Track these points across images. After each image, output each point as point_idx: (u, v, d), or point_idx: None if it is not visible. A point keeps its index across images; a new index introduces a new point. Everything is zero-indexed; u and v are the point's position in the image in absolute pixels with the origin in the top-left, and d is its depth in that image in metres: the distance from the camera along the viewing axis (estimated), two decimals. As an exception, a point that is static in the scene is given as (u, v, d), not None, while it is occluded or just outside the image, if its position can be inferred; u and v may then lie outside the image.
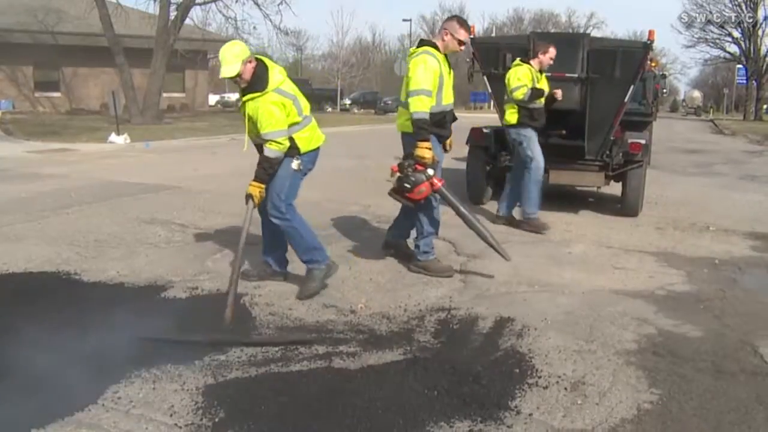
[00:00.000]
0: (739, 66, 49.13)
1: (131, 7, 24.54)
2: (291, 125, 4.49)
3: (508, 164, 8.59)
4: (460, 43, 5.23)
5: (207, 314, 4.25)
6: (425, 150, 5.02)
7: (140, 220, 7.12)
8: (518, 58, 7.20)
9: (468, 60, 9.20)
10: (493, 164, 8.57)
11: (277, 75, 4.42)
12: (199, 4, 24.50)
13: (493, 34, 49.67)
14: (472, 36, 8.51)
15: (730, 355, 3.86)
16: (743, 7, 43.45)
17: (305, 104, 4.62)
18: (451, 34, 5.17)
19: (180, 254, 5.74)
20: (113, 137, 16.28)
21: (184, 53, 25.12)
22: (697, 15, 44.28)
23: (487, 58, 8.24)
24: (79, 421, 2.92)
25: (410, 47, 5.76)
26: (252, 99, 4.40)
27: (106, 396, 3.14)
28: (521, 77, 6.93)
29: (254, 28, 61.00)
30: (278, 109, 4.38)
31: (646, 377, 3.53)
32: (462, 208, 5.25)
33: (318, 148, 4.76)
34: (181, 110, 30.69)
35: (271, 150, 4.42)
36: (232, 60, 4.30)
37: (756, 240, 6.92)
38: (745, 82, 48.62)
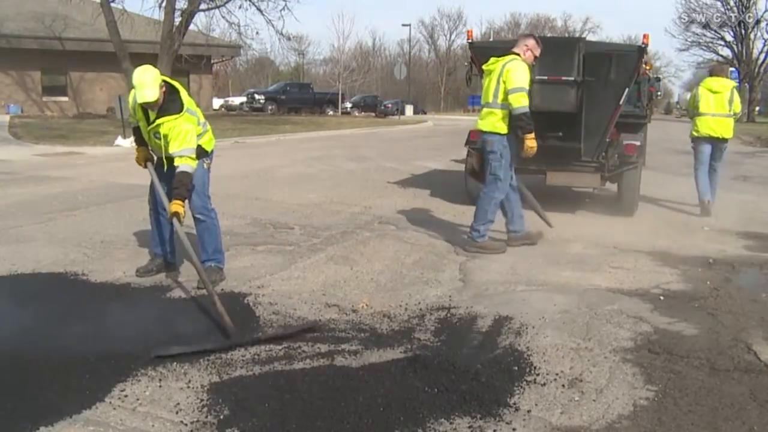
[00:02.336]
0: (732, 69, 49.13)
1: (137, 14, 24.56)
2: (198, 135, 4.76)
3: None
4: (535, 58, 5.99)
5: (210, 313, 4.25)
6: (532, 140, 5.76)
7: (146, 221, 7.07)
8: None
9: (466, 64, 9.20)
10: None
11: (185, 96, 4.67)
12: (203, 11, 24.57)
13: (491, 39, 49.61)
14: (470, 40, 8.54)
15: (724, 353, 3.85)
16: (737, 10, 43.43)
17: (200, 112, 4.89)
18: (531, 50, 5.94)
19: (185, 255, 5.73)
20: (120, 140, 16.28)
21: (188, 58, 25.14)
22: (697, 15, 44.34)
23: (485, 62, 8.22)
24: (86, 419, 2.92)
25: (494, 58, 6.03)
26: (168, 121, 4.56)
27: (113, 394, 3.14)
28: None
29: (257, 33, 61.16)
30: (190, 126, 4.62)
31: (642, 374, 3.53)
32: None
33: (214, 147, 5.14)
34: (185, 114, 30.67)
35: (188, 165, 4.59)
36: (152, 84, 4.44)
37: (749, 239, 6.92)
38: (737, 84, 48.62)
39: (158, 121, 4.59)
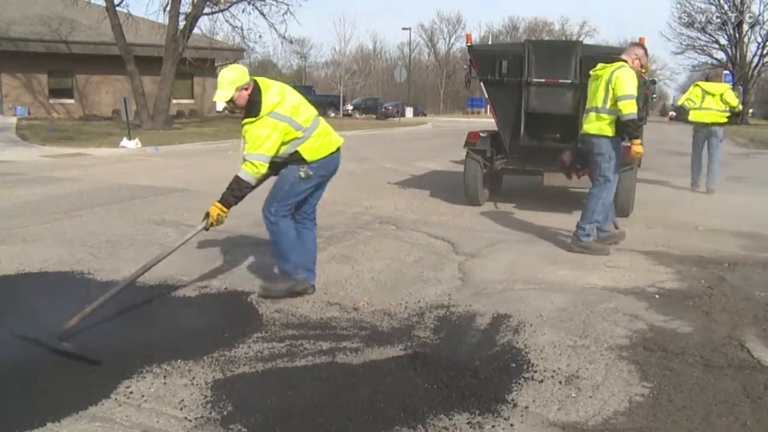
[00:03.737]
0: (726, 72, 49.00)
1: (142, 17, 24.60)
2: (291, 140, 4.34)
3: (505, 167, 8.62)
4: (642, 66, 6.15)
5: (215, 312, 4.26)
6: (639, 145, 6.03)
7: (151, 221, 7.12)
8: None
9: (465, 67, 9.21)
10: (489, 167, 8.58)
11: (271, 97, 4.28)
12: (207, 14, 24.56)
13: (490, 42, 49.65)
14: (469, 43, 8.55)
15: (718, 350, 3.85)
16: (730, 14, 43.37)
17: (306, 117, 4.41)
18: (639, 59, 6.04)
19: (190, 255, 5.74)
20: (125, 142, 16.29)
21: (192, 61, 25.13)
22: (698, 16, 44.31)
23: (483, 64, 8.24)
24: (92, 415, 2.92)
25: (599, 65, 6.15)
26: (247, 122, 4.31)
27: (118, 391, 3.15)
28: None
29: (260, 36, 61.29)
30: (268, 131, 4.22)
31: (637, 371, 3.53)
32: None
33: (331, 155, 4.55)
34: (189, 116, 30.70)
35: (245, 172, 4.25)
36: (227, 85, 4.25)
37: (743, 239, 6.92)
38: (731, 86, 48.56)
39: (243, 122, 4.34)
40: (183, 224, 6.95)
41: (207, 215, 4.27)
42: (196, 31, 24.78)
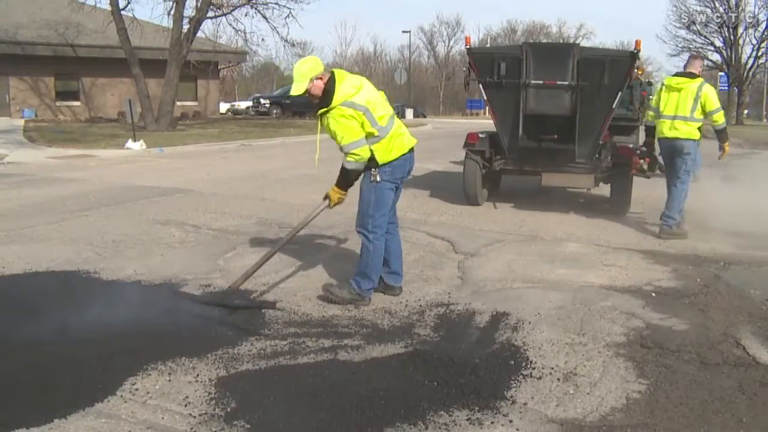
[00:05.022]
0: (721, 73, 48.95)
1: (146, 21, 24.54)
2: (367, 138, 4.24)
3: (503, 167, 8.61)
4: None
5: (219, 310, 4.25)
6: (728, 146, 7.16)
7: (155, 221, 7.12)
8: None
9: (464, 69, 9.20)
10: (488, 167, 8.57)
11: (345, 88, 4.19)
12: (210, 18, 24.51)
13: (488, 45, 49.63)
14: (468, 46, 8.54)
15: (713, 347, 3.85)
16: (730, 8, 43.30)
17: (382, 114, 4.30)
18: (700, 70, 6.95)
19: (193, 253, 5.75)
20: (130, 143, 16.28)
21: (196, 64, 25.10)
22: (698, 16, 44.23)
23: (482, 67, 8.23)
24: (99, 412, 2.92)
25: (666, 76, 7.02)
26: (323, 113, 4.24)
27: (124, 387, 3.15)
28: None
29: (262, 40, 61.28)
30: (348, 120, 4.16)
31: (634, 368, 3.53)
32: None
33: (403, 155, 4.42)
34: (193, 117, 30.67)
35: (349, 162, 4.23)
36: (299, 78, 4.19)
37: (738, 238, 6.90)
38: (726, 88, 48.43)
39: (318, 113, 4.28)
40: (187, 224, 6.96)
41: (327, 197, 4.39)
42: (199, 34, 24.77)
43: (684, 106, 6.76)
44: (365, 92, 4.26)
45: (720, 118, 6.84)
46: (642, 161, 7.70)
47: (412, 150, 4.51)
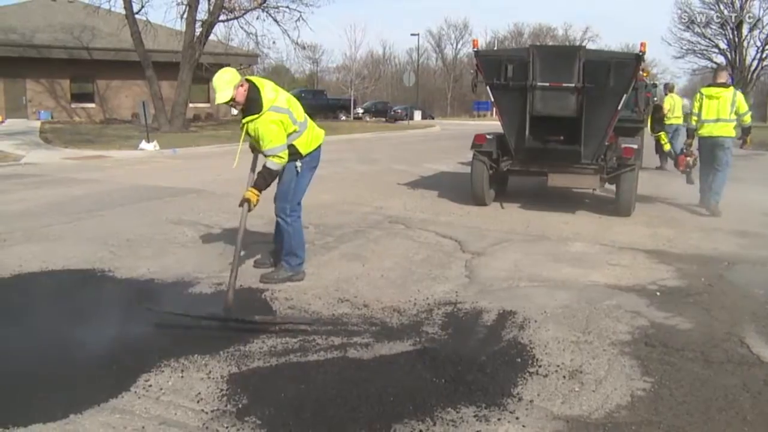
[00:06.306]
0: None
1: (160, 25, 24.65)
2: (289, 134, 4.62)
3: (510, 168, 8.60)
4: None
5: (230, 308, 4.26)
6: (751, 137, 8.58)
7: (168, 221, 7.15)
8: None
9: (472, 72, 9.18)
10: (495, 168, 8.56)
11: (268, 93, 4.51)
12: (223, 21, 24.61)
13: (495, 47, 49.53)
14: (475, 49, 8.53)
15: (717, 346, 3.83)
16: (727, 14, 42.95)
17: (299, 113, 4.73)
18: (728, 78, 8.45)
19: (206, 253, 5.77)
20: (143, 144, 16.36)
21: (208, 66, 25.05)
22: (698, 16, 43.95)
23: (489, 69, 8.22)
24: (113, 407, 2.94)
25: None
26: (251, 120, 4.50)
27: (138, 384, 3.17)
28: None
29: (273, 42, 61.33)
30: (276, 126, 4.49)
31: (639, 366, 3.51)
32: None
33: (319, 147, 4.92)
34: (206, 119, 30.78)
35: (273, 163, 4.54)
36: (224, 87, 4.37)
37: (742, 238, 6.87)
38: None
39: (243, 120, 4.56)
40: (200, 224, 6.99)
41: (245, 200, 4.48)
42: (211, 37, 24.85)
43: (724, 110, 8.15)
44: (282, 94, 4.61)
45: (749, 118, 8.35)
46: (688, 159, 8.93)
47: (320, 145, 4.96)
